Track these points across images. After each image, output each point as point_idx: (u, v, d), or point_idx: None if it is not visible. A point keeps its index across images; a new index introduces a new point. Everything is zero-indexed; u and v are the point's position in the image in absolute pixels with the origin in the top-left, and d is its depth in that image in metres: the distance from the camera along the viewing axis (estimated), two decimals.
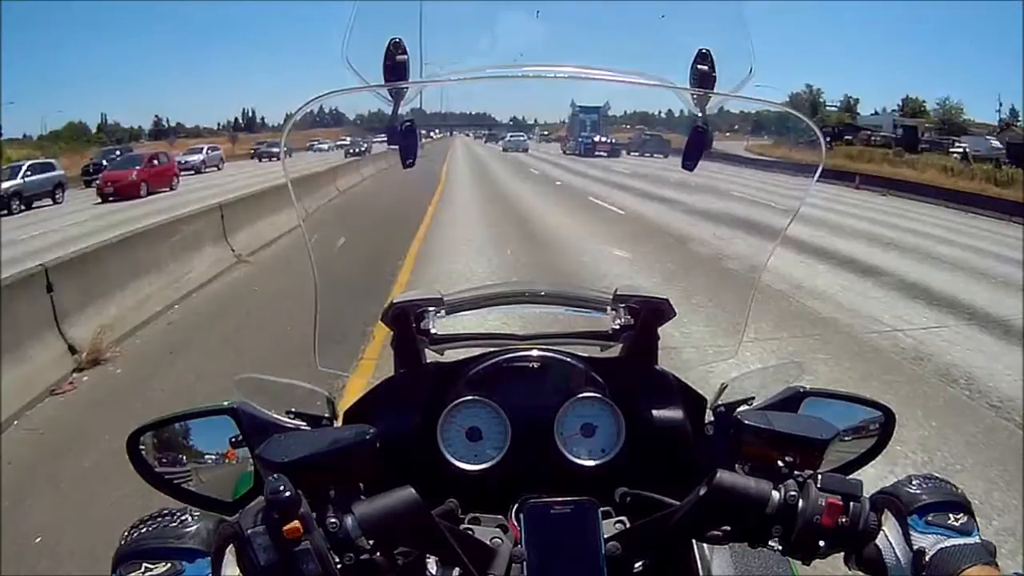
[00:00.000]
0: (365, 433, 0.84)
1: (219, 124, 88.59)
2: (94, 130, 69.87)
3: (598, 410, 1.00)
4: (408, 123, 0.95)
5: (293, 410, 0.99)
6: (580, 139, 37.17)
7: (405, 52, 0.94)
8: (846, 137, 44.40)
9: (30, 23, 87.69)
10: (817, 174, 1.07)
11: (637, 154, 36.89)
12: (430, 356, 1.17)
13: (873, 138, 44.47)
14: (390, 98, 0.94)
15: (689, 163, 1.03)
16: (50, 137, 59.43)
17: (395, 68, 0.94)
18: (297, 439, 0.84)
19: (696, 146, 1.01)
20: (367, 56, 0.97)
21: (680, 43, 1.04)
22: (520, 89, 1.43)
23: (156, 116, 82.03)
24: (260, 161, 36.70)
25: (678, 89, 1.00)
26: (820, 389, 1.05)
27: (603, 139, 38.45)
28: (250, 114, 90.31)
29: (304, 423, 0.98)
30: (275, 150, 31.35)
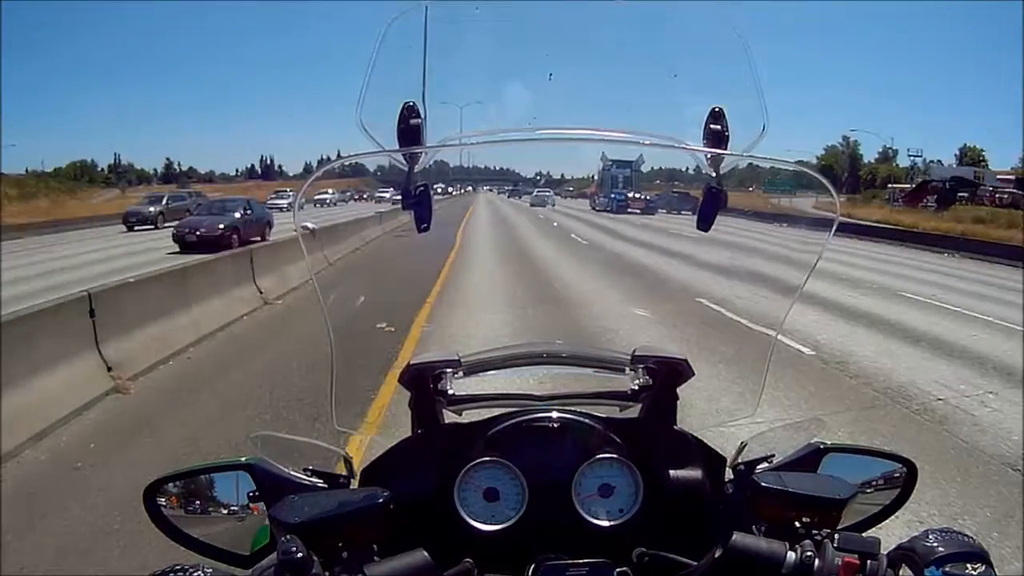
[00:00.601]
0: (378, 496, 0.90)
1: (237, 170, 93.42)
2: (104, 169, 73.66)
3: (616, 471, 1.04)
4: (422, 187, 1.01)
5: (310, 468, 1.04)
6: (613, 195, 37.67)
7: (419, 116, 1.02)
8: (960, 194, 41.16)
9: (34, 57, 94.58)
10: (833, 229, 1.12)
11: (664, 211, 36.94)
12: (448, 416, 1.22)
13: (998, 196, 40.92)
14: (405, 162, 1.00)
15: (704, 224, 1.07)
16: (50, 175, 62.09)
17: (408, 132, 1.01)
18: (310, 500, 0.89)
19: (710, 206, 1.06)
20: (382, 118, 1.05)
21: (693, 102, 1.11)
22: (537, 150, 1.53)
23: (168, 159, 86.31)
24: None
25: (691, 150, 1.06)
26: (841, 444, 1.09)
27: (637, 195, 38.83)
28: (268, 161, 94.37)
29: (321, 481, 1.02)
30: (280, 202, 31.69)
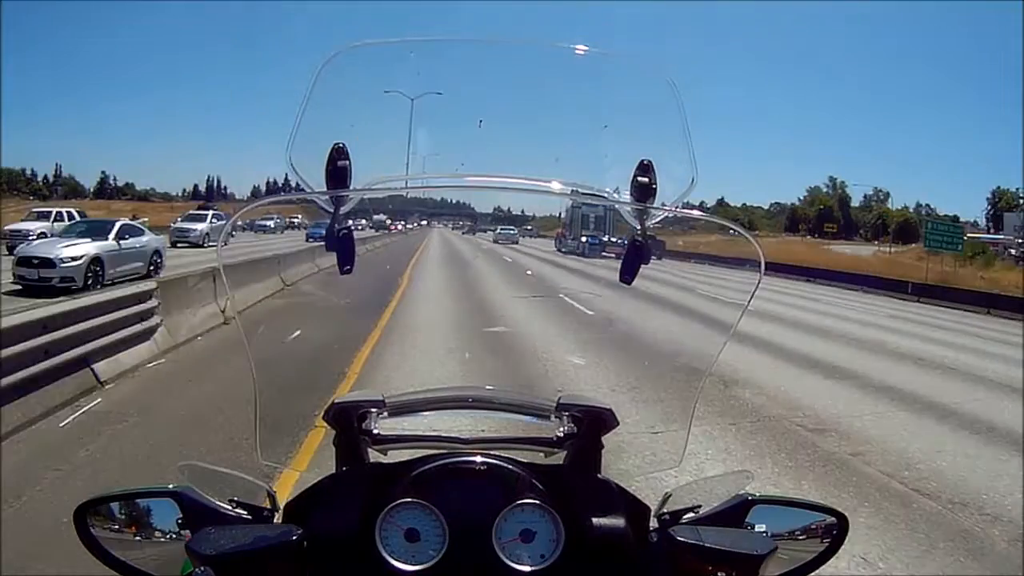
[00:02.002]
0: (292, 533, 1.03)
1: (184, 190, 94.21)
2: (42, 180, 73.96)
3: (538, 517, 1.15)
4: (345, 230, 1.16)
5: (236, 499, 1.15)
6: (586, 238, 37.01)
7: (346, 157, 1.17)
8: None
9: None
10: (758, 283, 1.27)
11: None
12: (373, 456, 1.33)
13: None
14: (331, 204, 1.15)
15: (627, 277, 1.22)
16: None
17: (336, 173, 1.16)
18: (226, 533, 1.02)
19: (633, 259, 1.21)
20: (312, 158, 1.19)
21: (623, 153, 1.26)
22: (470, 195, 1.70)
23: (103, 173, 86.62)
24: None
25: (616, 203, 1.22)
26: (768, 496, 1.22)
27: (614, 239, 39.30)
28: (214, 182, 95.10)
29: (246, 513, 1.14)
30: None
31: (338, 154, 1.18)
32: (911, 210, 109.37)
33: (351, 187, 1.18)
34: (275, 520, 1.15)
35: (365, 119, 1.37)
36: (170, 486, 1.14)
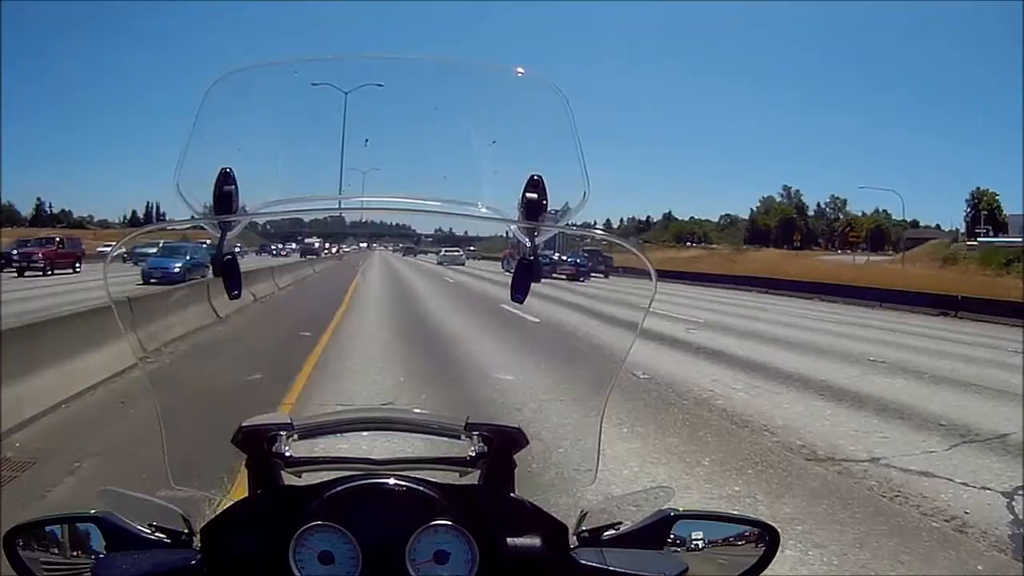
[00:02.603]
0: (191, 559, 1.11)
1: (124, 216, 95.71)
2: None
3: (452, 538, 1.19)
4: (230, 256, 1.23)
5: (154, 523, 1.21)
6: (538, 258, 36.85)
7: (233, 182, 1.23)
8: None
9: None
10: (651, 301, 1.35)
11: (603, 276, 37.85)
12: (287, 478, 1.36)
13: None
14: (218, 230, 1.21)
15: (519, 296, 1.28)
16: None
17: (222, 198, 1.23)
18: (129, 559, 1.09)
19: (523, 278, 1.28)
20: (201, 183, 1.25)
21: (513, 169, 1.33)
22: (413, 217, 1.78)
23: (39, 199, 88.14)
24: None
25: (506, 221, 1.28)
26: (692, 511, 1.27)
27: (565, 257, 38.04)
28: (153, 207, 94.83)
29: (165, 536, 1.20)
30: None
31: (225, 179, 1.24)
32: (869, 216, 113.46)
33: (237, 212, 1.25)
34: (193, 544, 1.20)
35: (254, 142, 1.43)
36: (92, 511, 1.20)
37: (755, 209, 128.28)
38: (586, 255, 41.01)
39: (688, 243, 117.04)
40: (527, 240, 1.27)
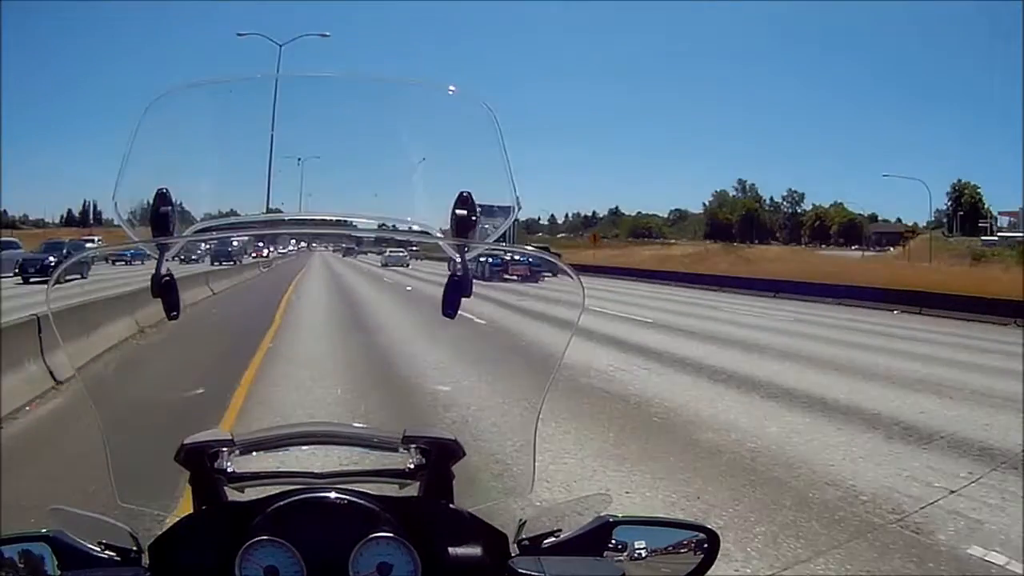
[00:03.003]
0: (135, 574, 1.18)
1: (62, 216, 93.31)
2: None
3: (394, 549, 1.25)
4: (167, 277, 1.31)
5: (104, 541, 1.27)
6: (488, 258, 35.47)
7: (169, 203, 1.31)
8: None
9: None
10: (580, 314, 1.46)
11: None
12: (231, 494, 1.42)
13: None
14: (155, 250, 1.29)
15: (450, 311, 1.37)
16: None
17: (158, 219, 1.30)
18: None
19: (454, 293, 1.36)
20: (138, 203, 1.35)
21: (443, 186, 1.41)
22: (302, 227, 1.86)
23: None
24: None
25: (434, 240, 1.37)
26: (630, 517, 1.36)
27: (518, 257, 38.55)
28: (90, 206, 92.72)
29: (116, 555, 1.26)
30: None
31: (161, 200, 1.31)
32: (839, 209, 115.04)
33: (175, 232, 1.32)
34: (143, 561, 1.25)
35: (190, 161, 1.51)
36: (43, 530, 1.24)
37: (708, 203, 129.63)
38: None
39: (645, 238, 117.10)
40: (457, 256, 1.35)
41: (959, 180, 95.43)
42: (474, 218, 1.36)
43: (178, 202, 1.34)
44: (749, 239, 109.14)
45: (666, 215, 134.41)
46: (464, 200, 1.36)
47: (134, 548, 1.26)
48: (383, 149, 1.64)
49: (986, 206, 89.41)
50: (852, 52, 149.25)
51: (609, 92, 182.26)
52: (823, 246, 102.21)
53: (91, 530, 1.29)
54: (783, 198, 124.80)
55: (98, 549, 1.25)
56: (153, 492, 1.52)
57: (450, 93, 1.55)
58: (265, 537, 1.22)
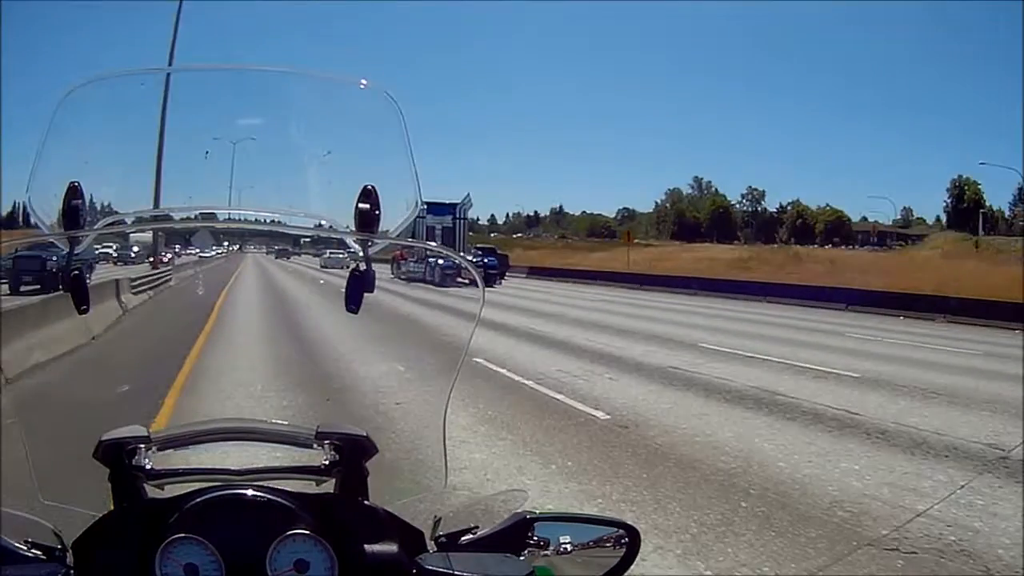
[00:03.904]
0: (57, 570, 1.27)
1: None
2: None
3: (311, 547, 1.33)
4: (77, 271, 1.42)
5: (29, 539, 1.35)
6: (433, 259, 35.81)
7: (80, 196, 1.41)
8: None
9: None
10: (480, 311, 1.64)
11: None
12: (150, 491, 1.50)
13: None
14: (67, 244, 1.40)
15: (353, 306, 1.48)
16: None
17: (69, 213, 1.40)
18: None
19: (356, 288, 1.47)
20: (51, 198, 1.42)
21: (348, 180, 1.50)
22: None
23: None
24: None
25: (339, 233, 1.49)
26: (548, 513, 1.48)
27: (472, 258, 36.58)
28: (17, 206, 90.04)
29: (41, 553, 1.34)
30: None
31: (73, 193, 1.41)
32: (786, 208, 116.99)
33: (85, 226, 1.42)
34: (67, 559, 1.34)
35: (102, 154, 1.61)
36: None
37: (659, 202, 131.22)
38: (480, 253, 40.45)
39: (603, 237, 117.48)
40: (360, 251, 1.47)
41: (959, 176, 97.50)
42: (377, 212, 1.46)
43: (89, 196, 1.44)
44: (716, 238, 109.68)
45: (613, 214, 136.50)
46: (368, 194, 1.46)
47: (59, 546, 1.35)
48: (290, 142, 1.75)
49: (987, 203, 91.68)
50: (780, 51, 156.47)
51: (549, 93, 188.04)
52: (829, 246, 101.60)
53: (16, 528, 1.37)
54: (743, 196, 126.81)
55: (24, 548, 1.34)
56: (76, 489, 1.55)
57: (359, 87, 1.65)
58: (183, 535, 1.31)
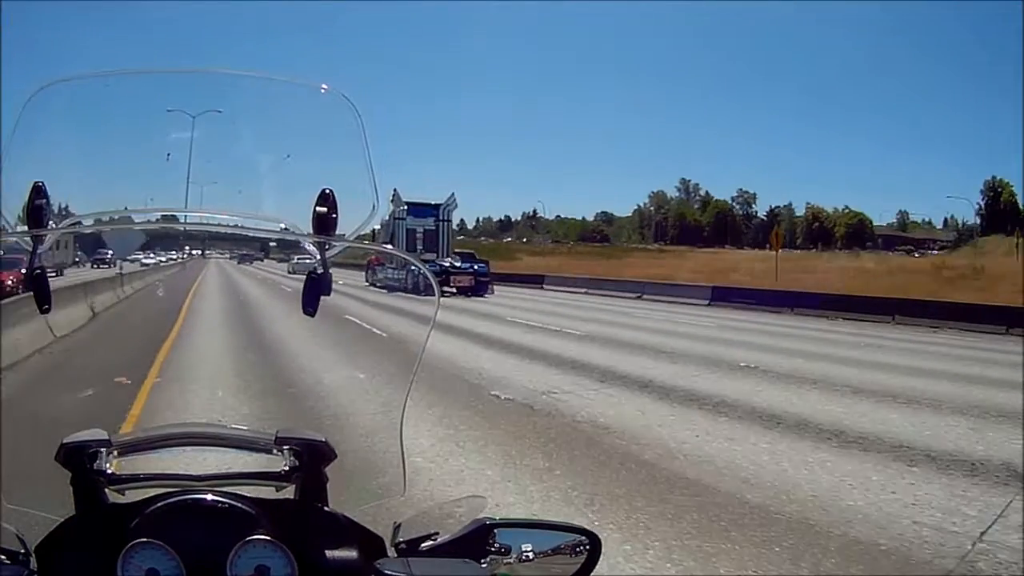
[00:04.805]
0: (19, 573, 1.35)
1: None
2: None
3: (270, 552, 1.41)
4: (39, 270, 1.53)
5: None
6: (414, 268, 31.75)
7: (45, 196, 1.52)
8: None
9: None
10: (436, 313, 1.76)
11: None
12: (111, 496, 1.60)
13: None
14: (29, 243, 1.51)
15: (310, 309, 1.58)
16: None
17: (33, 212, 1.51)
18: None
19: (313, 291, 1.58)
20: (18, 197, 1.54)
21: (306, 183, 1.62)
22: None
23: None
24: None
25: (298, 236, 1.61)
26: (507, 519, 1.54)
27: (459, 264, 37.37)
28: None
29: (4, 557, 1.40)
30: None
31: (36, 193, 1.51)
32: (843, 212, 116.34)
33: (48, 226, 1.53)
34: (30, 563, 1.41)
35: (67, 155, 1.75)
36: None
37: (642, 205, 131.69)
38: (460, 257, 38.18)
39: (596, 242, 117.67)
40: (317, 253, 1.58)
41: (993, 177, 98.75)
42: (334, 215, 1.57)
43: (54, 196, 1.55)
44: (720, 243, 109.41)
45: (591, 218, 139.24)
46: (325, 197, 1.58)
47: (22, 550, 1.41)
48: (250, 145, 1.89)
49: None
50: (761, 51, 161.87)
51: (519, 97, 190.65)
52: (860, 251, 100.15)
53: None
54: (732, 199, 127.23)
55: None
56: (39, 494, 1.64)
57: (321, 92, 1.77)
58: (145, 540, 1.39)
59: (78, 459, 1.53)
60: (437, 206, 43.19)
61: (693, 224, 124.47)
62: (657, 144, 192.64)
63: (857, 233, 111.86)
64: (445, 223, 43.18)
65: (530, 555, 1.53)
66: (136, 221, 1.92)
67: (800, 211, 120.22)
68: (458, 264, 37.38)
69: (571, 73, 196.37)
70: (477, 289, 35.87)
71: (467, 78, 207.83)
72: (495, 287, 37.20)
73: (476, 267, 37.22)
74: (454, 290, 34.63)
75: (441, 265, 36.11)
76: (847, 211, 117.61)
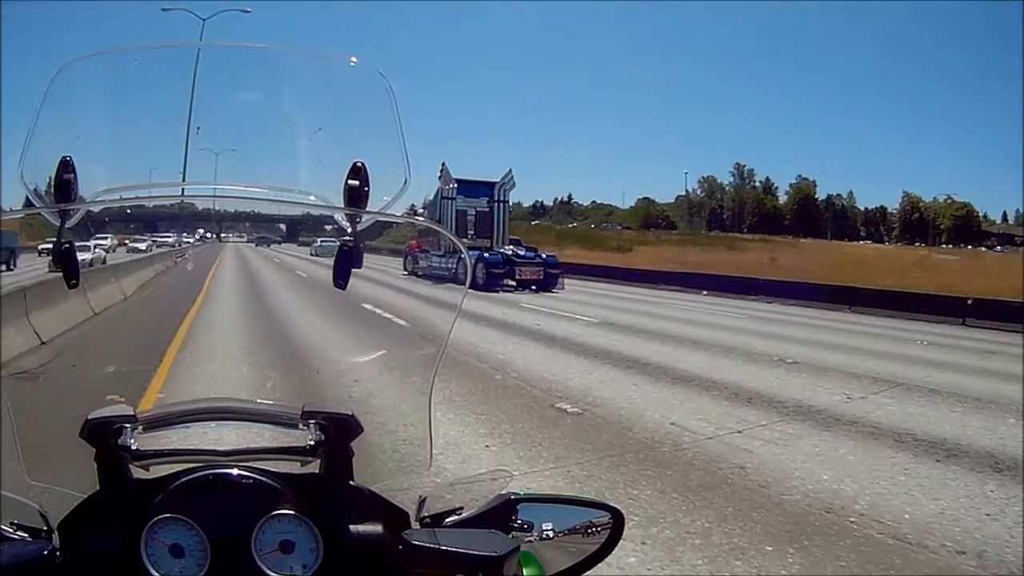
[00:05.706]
0: (47, 552, 1.40)
1: None
2: None
3: (296, 527, 1.48)
4: (67, 244, 1.61)
5: (15, 521, 1.49)
6: (486, 253, 33.39)
7: (72, 171, 1.60)
8: None
9: None
10: (465, 293, 1.83)
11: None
12: (136, 471, 1.68)
13: None
14: (57, 219, 1.59)
15: (340, 282, 1.66)
16: None
17: (61, 187, 1.60)
18: None
19: (344, 264, 1.66)
20: (46, 172, 1.62)
21: (338, 156, 1.68)
22: (201, 203, 2.20)
23: None
24: None
25: (330, 208, 1.68)
26: (533, 495, 1.64)
27: (523, 253, 34.93)
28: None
29: (27, 535, 1.48)
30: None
31: (64, 168, 1.59)
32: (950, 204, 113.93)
33: (77, 201, 1.60)
34: (53, 540, 1.47)
35: (96, 130, 1.83)
36: None
37: (693, 190, 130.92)
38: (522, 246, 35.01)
39: (659, 229, 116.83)
40: (349, 227, 1.66)
41: None
42: (366, 189, 1.64)
43: (83, 171, 1.62)
44: (798, 232, 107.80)
45: (632, 204, 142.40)
46: (357, 170, 1.64)
47: (45, 527, 1.50)
48: (280, 119, 1.96)
49: None
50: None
51: (561, 86, 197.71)
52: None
53: (2, 509, 1.54)
54: (791, 186, 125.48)
55: (10, 530, 1.49)
56: (63, 469, 1.70)
57: (351, 64, 1.87)
58: (169, 515, 1.46)
59: (103, 435, 1.60)
60: (491, 184, 39.77)
61: (771, 210, 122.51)
62: (698, 130, 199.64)
63: (965, 226, 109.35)
64: (501, 204, 39.90)
65: (550, 533, 1.64)
66: (166, 196, 2.02)
67: (863, 200, 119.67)
68: (521, 253, 35.21)
69: (607, 59, 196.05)
70: (545, 283, 33.60)
71: (484, 64, 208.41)
72: (564, 281, 34.06)
73: (547, 257, 35.57)
74: (512, 284, 32.94)
75: (503, 254, 34.36)
76: (950, 201, 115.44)
